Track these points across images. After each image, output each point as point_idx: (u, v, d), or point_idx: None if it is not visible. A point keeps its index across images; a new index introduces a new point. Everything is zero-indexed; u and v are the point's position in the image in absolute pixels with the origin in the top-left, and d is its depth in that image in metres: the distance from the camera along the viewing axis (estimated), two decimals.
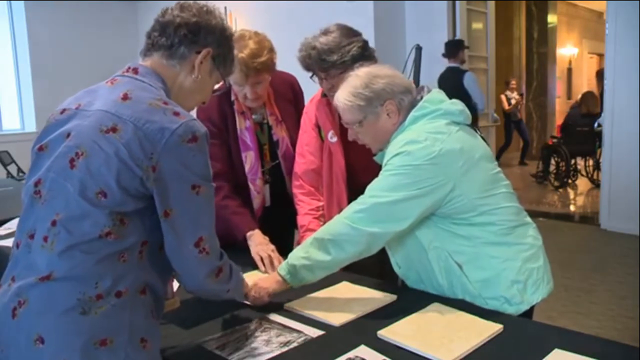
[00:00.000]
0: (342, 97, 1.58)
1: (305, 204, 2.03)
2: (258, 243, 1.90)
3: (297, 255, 1.55)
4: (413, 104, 1.58)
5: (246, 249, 1.93)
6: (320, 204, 2.04)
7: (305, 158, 2.04)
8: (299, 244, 1.94)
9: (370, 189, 1.52)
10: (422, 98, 1.58)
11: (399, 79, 1.59)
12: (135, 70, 1.20)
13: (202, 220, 1.13)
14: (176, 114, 1.10)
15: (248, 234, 1.94)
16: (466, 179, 1.47)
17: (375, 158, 1.67)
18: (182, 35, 1.21)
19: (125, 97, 1.11)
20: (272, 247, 1.88)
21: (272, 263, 1.81)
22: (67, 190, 1.06)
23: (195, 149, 1.09)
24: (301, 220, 2.02)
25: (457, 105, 1.57)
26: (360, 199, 1.52)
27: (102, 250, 1.05)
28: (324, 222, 2.01)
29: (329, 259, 1.51)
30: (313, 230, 1.95)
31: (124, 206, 1.06)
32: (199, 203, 1.11)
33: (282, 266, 1.56)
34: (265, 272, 1.80)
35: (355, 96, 1.55)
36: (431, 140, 1.46)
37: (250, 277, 1.67)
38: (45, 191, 1.09)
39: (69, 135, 1.10)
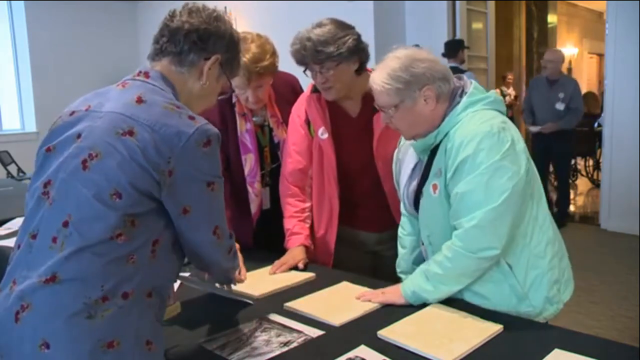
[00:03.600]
0: (379, 79, 1.50)
1: (290, 207, 2.00)
2: None
3: (423, 288, 1.49)
4: (454, 92, 1.53)
5: (249, 248, 1.94)
6: (306, 205, 2.01)
7: (292, 157, 2.01)
8: (286, 249, 1.93)
9: (476, 203, 1.40)
10: (459, 87, 1.54)
11: (439, 65, 1.52)
12: (147, 75, 1.20)
13: (217, 211, 1.19)
14: (191, 118, 1.12)
15: None
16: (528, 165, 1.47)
17: (413, 145, 1.59)
18: (191, 42, 1.21)
19: (139, 100, 1.12)
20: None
21: None
22: (79, 191, 1.06)
23: (209, 152, 1.12)
24: (286, 223, 1.99)
25: (497, 95, 1.55)
26: (469, 220, 1.41)
27: (111, 252, 1.04)
28: (310, 224, 2.00)
29: (459, 288, 1.50)
30: (298, 234, 1.94)
31: (138, 207, 1.07)
32: (214, 197, 1.16)
33: (408, 294, 1.51)
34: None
35: (393, 79, 1.48)
36: (500, 130, 1.43)
37: (254, 275, 1.71)
38: (54, 192, 1.09)
39: (79, 136, 1.10)
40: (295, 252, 1.90)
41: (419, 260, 1.76)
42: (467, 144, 1.41)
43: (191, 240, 1.17)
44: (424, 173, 1.57)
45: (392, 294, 1.54)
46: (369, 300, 1.54)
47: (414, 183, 1.61)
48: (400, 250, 1.79)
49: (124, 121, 1.09)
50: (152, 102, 1.12)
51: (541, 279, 1.49)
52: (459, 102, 1.50)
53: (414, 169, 1.63)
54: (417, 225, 1.72)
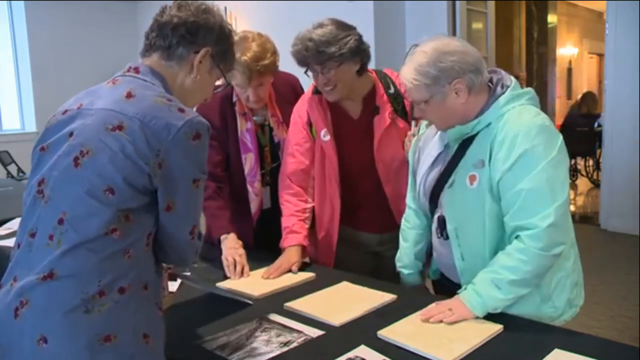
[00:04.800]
0: (408, 74, 1.46)
1: (291, 205, 1.97)
2: (229, 247, 1.89)
3: (496, 297, 1.41)
4: (496, 83, 1.50)
5: (250, 248, 1.94)
6: (307, 206, 1.99)
7: (295, 158, 1.99)
8: (282, 248, 1.90)
9: (544, 200, 1.37)
10: (498, 79, 1.51)
11: (469, 56, 1.46)
12: (137, 70, 1.21)
13: (197, 210, 1.18)
14: (181, 110, 1.11)
15: (222, 237, 1.93)
16: None
17: (449, 132, 1.52)
18: (179, 36, 1.21)
19: (129, 95, 1.12)
20: (242, 252, 1.87)
21: (236, 268, 1.80)
22: (73, 188, 1.07)
23: (199, 145, 1.11)
24: (285, 221, 1.96)
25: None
26: (543, 218, 1.36)
27: (107, 248, 1.05)
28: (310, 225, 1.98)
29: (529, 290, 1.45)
30: (297, 232, 1.91)
31: (131, 202, 1.07)
32: (197, 195, 1.16)
33: (477, 308, 1.41)
34: (229, 276, 1.80)
35: (421, 74, 1.44)
36: (550, 123, 1.43)
37: (255, 275, 1.76)
38: (48, 190, 1.09)
39: (71, 134, 1.11)
40: (290, 253, 1.87)
41: (421, 254, 1.73)
42: (525, 136, 1.39)
43: (167, 236, 1.16)
44: (451, 162, 1.53)
45: (460, 311, 1.41)
46: (441, 321, 1.39)
47: (435, 171, 1.57)
48: (403, 243, 1.76)
49: (114, 117, 1.09)
50: (141, 96, 1.12)
51: (565, 280, 1.49)
52: (501, 94, 1.47)
53: (436, 158, 1.59)
54: (424, 218, 1.70)
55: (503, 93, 1.47)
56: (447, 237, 1.55)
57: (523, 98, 1.47)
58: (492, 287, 1.41)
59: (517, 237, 1.41)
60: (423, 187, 1.62)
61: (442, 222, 1.56)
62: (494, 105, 1.46)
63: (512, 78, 1.52)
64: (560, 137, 1.43)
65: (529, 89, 1.51)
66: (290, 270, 1.82)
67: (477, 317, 1.41)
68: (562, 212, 1.38)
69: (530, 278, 1.41)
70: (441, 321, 1.39)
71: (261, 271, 1.84)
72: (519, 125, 1.41)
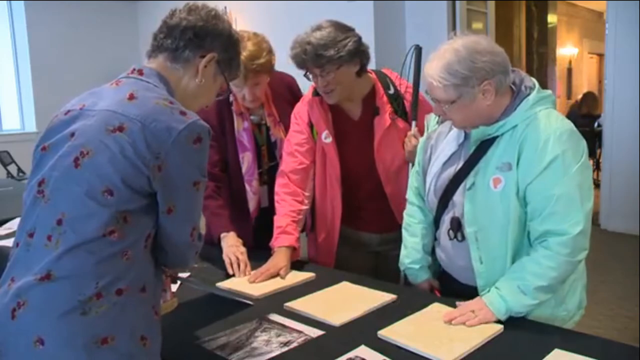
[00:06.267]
0: (436, 73, 1.40)
1: (286, 204, 1.94)
2: (230, 245, 1.89)
3: (523, 303, 1.40)
4: (519, 84, 1.46)
5: (250, 247, 1.94)
6: (303, 207, 1.96)
7: (295, 157, 1.97)
8: (272, 248, 1.87)
9: (575, 206, 1.38)
10: (521, 80, 1.47)
11: (498, 56, 1.40)
12: (140, 72, 1.21)
13: (197, 212, 1.18)
14: (183, 113, 1.11)
15: (222, 235, 1.94)
16: None
17: (473, 132, 1.49)
18: (187, 39, 1.22)
19: (131, 97, 1.12)
20: (243, 249, 1.87)
21: (239, 266, 1.81)
22: (73, 189, 1.07)
23: (199, 149, 1.11)
24: (278, 220, 1.92)
25: None
26: (574, 225, 1.38)
27: (104, 250, 1.05)
28: (302, 227, 1.97)
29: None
30: (289, 234, 1.88)
31: (130, 204, 1.07)
32: (197, 197, 1.16)
33: (502, 312, 1.39)
34: (233, 274, 1.80)
35: (451, 74, 1.37)
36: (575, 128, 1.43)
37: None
38: (48, 190, 1.09)
39: (73, 135, 1.11)
40: (280, 257, 1.84)
41: (428, 249, 1.69)
42: (556, 141, 1.37)
43: (168, 238, 1.16)
44: (468, 163, 1.48)
45: (483, 314, 1.39)
46: (463, 324, 1.38)
47: (448, 171, 1.54)
48: (411, 239, 1.70)
49: (115, 118, 1.09)
50: (143, 98, 1.12)
51: (577, 283, 1.51)
52: (527, 95, 1.44)
53: (450, 157, 1.55)
54: (429, 214, 1.66)
55: (528, 95, 1.44)
56: (461, 239, 1.53)
57: (548, 101, 1.45)
58: (517, 292, 1.39)
59: (542, 242, 1.40)
60: (434, 187, 1.58)
61: (456, 223, 1.53)
62: (521, 107, 1.43)
63: (533, 79, 1.49)
64: (585, 142, 1.42)
65: (549, 91, 1.48)
66: (278, 275, 1.79)
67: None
68: (589, 219, 1.39)
69: (555, 284, 1.41)
70: (463, 323, 1.38)
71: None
72: (550, 129, 1.39)
